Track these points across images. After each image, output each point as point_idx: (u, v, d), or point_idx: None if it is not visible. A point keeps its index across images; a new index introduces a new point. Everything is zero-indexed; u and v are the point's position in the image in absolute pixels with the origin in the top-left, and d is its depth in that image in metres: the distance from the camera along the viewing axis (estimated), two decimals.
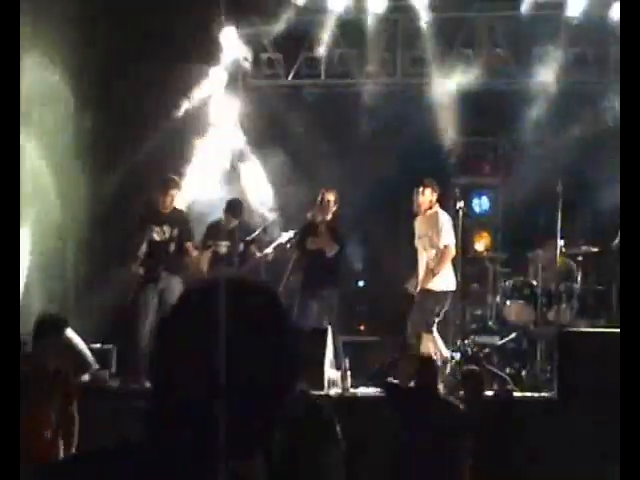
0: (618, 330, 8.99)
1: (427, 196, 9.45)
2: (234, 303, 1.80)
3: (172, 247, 9.90)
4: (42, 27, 9.77)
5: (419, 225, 9.64)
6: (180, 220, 9.98)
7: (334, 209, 10.08)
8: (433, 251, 9.39)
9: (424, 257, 9.49)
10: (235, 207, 10.40)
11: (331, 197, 10.04)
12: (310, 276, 10.02)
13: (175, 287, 9.44)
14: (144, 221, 9.89)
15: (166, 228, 9.92)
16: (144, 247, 9.83)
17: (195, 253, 10.04)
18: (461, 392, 7.90)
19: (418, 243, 9.64)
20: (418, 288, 9.50)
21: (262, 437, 1.88)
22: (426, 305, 9.39)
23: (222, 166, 11.47)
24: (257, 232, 10.47)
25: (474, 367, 8.22)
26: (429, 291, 9.37)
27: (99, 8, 10.51)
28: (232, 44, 11.14)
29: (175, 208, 10.00)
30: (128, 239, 9.99)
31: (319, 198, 10.03)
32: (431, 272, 9.32)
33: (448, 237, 9.38)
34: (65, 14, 10.15)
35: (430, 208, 9.48)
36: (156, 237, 9.88)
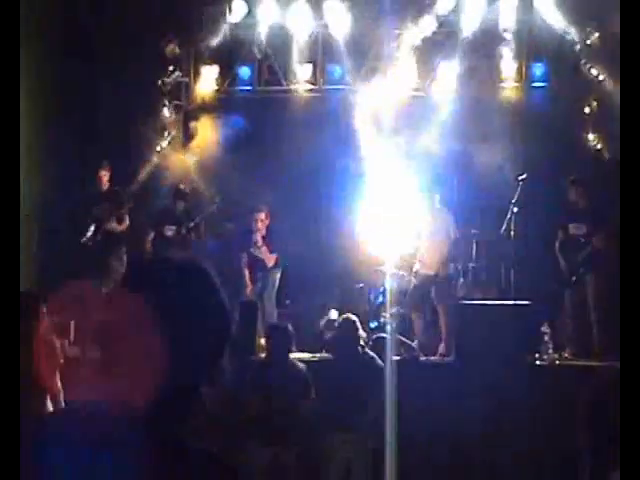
0: (506, 302, 10.63)
1: None
2: (171, 278, 2.00)
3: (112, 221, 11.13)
4: None
5: (429, 221, 10.80)
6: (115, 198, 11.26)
7: (267, 224, 11.23)
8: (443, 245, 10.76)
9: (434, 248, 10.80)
10: (183, 194, 11.64)
11: (262, 216, 11.21)
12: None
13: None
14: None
15: (105, 205, 11.22)
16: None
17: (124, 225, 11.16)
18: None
19: (426, 235, 10.82)
20: (434, 272, 10.77)
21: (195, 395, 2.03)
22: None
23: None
24: (197, 220, 11.60)
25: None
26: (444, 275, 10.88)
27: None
28: (176, 58, 12.21)
29: (111, 187, 11.37)
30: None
31: (255, 218, 11.17)
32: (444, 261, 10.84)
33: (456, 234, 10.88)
34: None
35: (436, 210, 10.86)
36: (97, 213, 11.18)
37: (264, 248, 11.29)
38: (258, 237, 11.25)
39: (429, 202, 10.88)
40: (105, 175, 11.42)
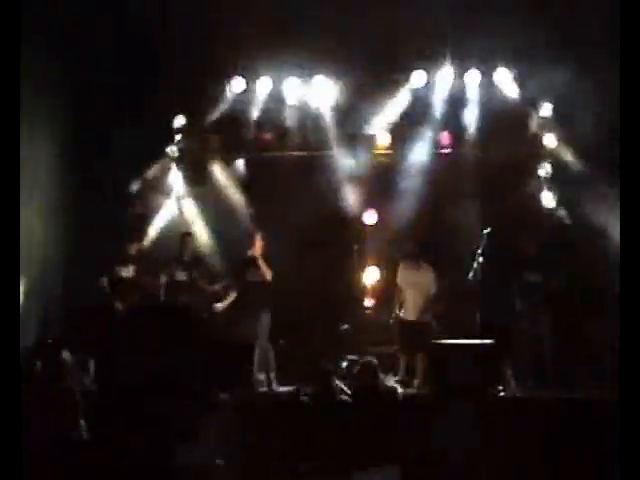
0: (476, 341, 11.85)
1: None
2: (161, 323, 2.84)
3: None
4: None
5: (413, 275, 12.07)
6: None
7: (262, 245, 11.97)
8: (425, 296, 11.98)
9: (415, 298, 12.01)
10: (190, 240, 12.73)
11: (259, 237, 12.03)
12: (250, 301, 11.96)
13: None
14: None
15: (131, 266, 12.36)
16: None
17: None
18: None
19: (411, 287, 12.04)
20: (413, 318, 11.98)
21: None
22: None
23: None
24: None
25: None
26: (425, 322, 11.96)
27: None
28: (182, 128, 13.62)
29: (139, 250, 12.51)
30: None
31: (252, 238, 11.97)
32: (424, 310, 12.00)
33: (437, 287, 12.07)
34: None
35: (420, 266, 12.07)
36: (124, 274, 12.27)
37: (261, 262, 11.85)
38: (255, 252, 11.90)
39: (413, 258, 12.16)
40: (134, 244, 12.51)
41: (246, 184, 13.90)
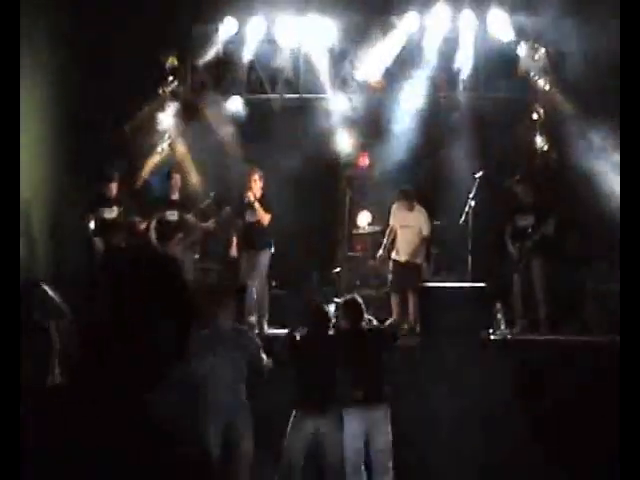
0: (464, 284, 11.98)
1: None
2: (140, 265, 2.22)
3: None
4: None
5: (407, 216, 12.10)
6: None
7: (260, 186, 11.85)
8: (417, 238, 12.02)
9: (408, 239, 12.06)
10: (179, 179, 12.70)
11: (257, 177, 11.89)
12: (251, 241, 11.91)
13: None
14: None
15: (115, 208, 12.30)
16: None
17: (142, 226, 12.13)
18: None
19: (404, 228, 12.10)
20: (405, 259, 12.04)
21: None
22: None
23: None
24: (205, 204, 12.63)
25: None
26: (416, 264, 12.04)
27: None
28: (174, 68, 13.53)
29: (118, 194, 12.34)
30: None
31: (249, 179, 11.82)
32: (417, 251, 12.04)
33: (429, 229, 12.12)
34: None
35: (413, 207, 12.11)
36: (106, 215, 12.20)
37: (257, 205, 11.75)
38: (251, 196, 11.76)
39: (407, 200, 12.17)
40: (114, 185, 12.39)
41: (238, 125, 13.83)
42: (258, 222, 11.85)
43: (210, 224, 12.60)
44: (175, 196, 12.71)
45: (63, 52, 12.48)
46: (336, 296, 12.07)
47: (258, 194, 11.89)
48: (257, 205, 11.83)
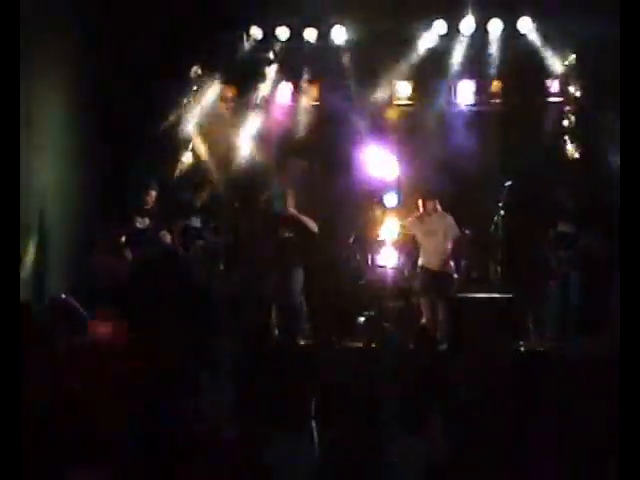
0: (494, 295, 11.69)
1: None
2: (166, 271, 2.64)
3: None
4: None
5: (430, 221, 11.67)
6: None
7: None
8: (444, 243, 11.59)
9: (435, 246, 11.61)
10: (202, 186, 12.57)
11: (291, 192, 11.75)
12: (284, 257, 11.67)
13: None
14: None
15: (147, 218, 11.95)
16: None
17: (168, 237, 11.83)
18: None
19: (428, 235, 11.64)
20: (434, 267, 11.57)
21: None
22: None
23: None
24: (229, 212, 12.45)
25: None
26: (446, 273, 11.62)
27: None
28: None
29: (155, 205, 12.03)
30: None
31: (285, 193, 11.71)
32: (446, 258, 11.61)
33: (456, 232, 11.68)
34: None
35: (436, 210, 11.73)
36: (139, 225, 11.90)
37: (301, 216, 11.65)
38: (289, 207, 11.68)
39: (433, 208, 11.75)
40: (153, 194, 12.08)
41: (264, 135, 13.57)
42: (292, 238, 11.76)
43: (231, 236, 12.40)
44: (200, 203, 12.57)
45: (93, 63, 12.36)
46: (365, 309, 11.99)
47: (293, 206, 11.82)
48: (298, 216, 11.73)
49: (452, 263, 11.84)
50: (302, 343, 11.41)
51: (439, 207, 11.82)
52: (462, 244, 12.02)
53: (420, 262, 11.89)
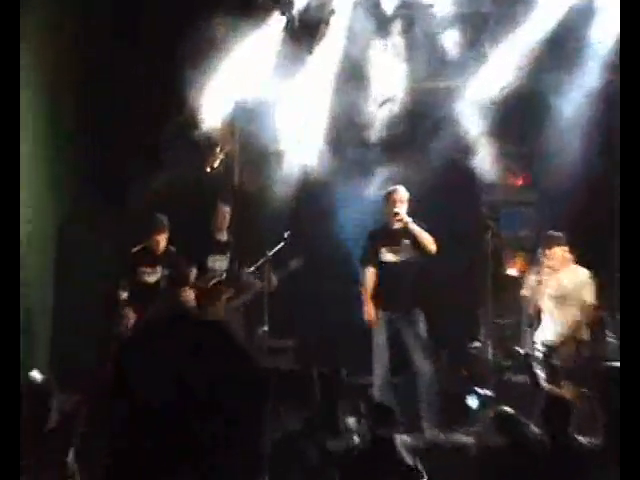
0: None
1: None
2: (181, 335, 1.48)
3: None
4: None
5: (559, 279, 8.24)
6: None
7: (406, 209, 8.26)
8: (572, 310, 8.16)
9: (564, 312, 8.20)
10: (227, 212, 9.11)
11: (403, 196, 8.26)
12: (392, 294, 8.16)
13: None
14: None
15: (158, 269, 8.48)
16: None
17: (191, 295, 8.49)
18: None
19: (555, 299, 8.20)
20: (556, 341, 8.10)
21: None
22: None
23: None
24: (272, 252, 8.66)
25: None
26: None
27: None
28: None
29: (167, 249, 8.51)
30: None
31: (387, 199, 8.30)
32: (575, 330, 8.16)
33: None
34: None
35: (567, 264, 8.25)
36: (147, 278, 8.45)
37: (416, 229, 8.22)
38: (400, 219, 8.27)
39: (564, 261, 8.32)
40: (162, 237, 8.48)
41: None
42: (403, 262, 8.29)
43: (270, 283, 8.71)
44: (223, 236, 9.07)
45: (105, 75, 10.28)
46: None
47: (404, 220, 8.27)
48: (414, 228, 8.24)
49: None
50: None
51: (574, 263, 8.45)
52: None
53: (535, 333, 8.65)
